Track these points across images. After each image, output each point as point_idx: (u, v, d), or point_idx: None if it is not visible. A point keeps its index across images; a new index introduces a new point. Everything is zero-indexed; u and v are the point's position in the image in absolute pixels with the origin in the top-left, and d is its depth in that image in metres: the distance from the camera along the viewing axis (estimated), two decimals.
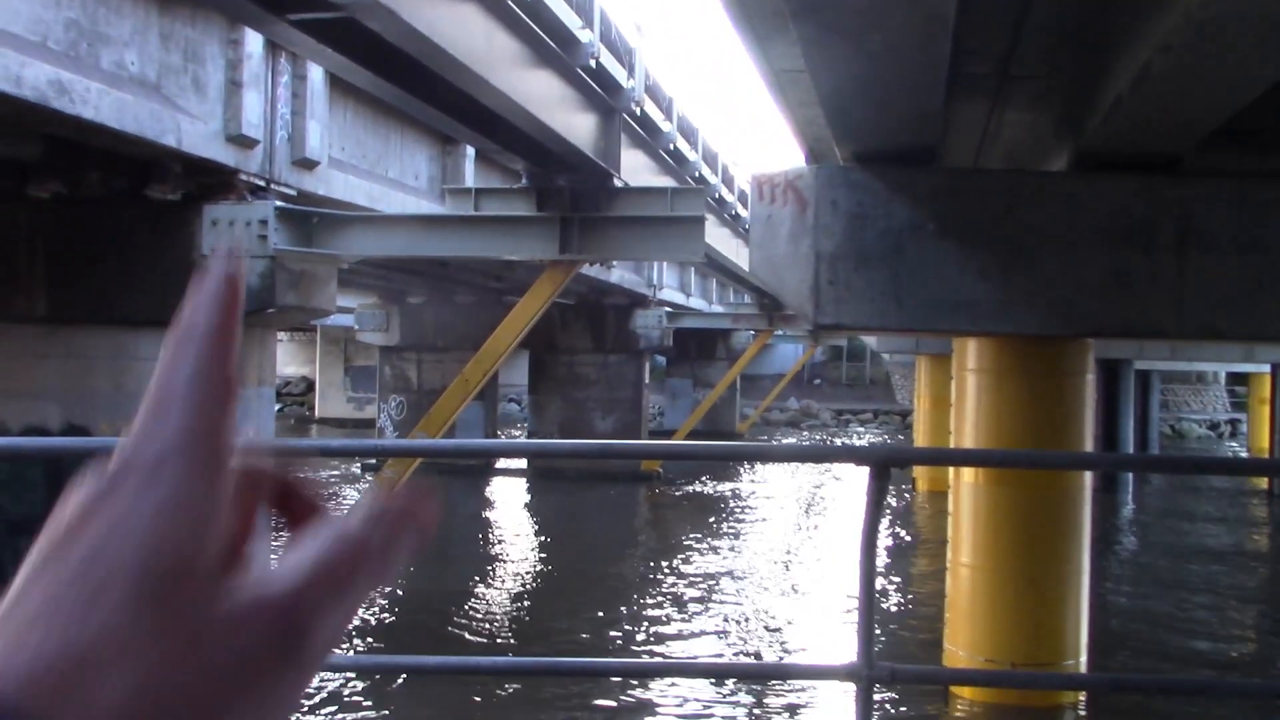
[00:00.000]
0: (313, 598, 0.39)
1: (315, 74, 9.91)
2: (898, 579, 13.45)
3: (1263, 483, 24.07)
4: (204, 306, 0.42)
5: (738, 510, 20.38)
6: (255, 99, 9.13)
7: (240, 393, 0.42)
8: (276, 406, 24.33)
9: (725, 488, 23.48)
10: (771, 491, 23.19)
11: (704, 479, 24.52)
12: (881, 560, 13.74)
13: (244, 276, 0.44)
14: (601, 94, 12.45)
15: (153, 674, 0.35)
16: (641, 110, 14.76)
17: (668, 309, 26.98)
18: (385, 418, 25.11)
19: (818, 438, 40.93)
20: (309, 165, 10.12)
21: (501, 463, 25.68)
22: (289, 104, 9.71)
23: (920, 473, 23.07)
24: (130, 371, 8.54)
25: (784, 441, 36.57)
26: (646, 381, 25.65)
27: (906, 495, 22.32)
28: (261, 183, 9.48)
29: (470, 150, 13.54)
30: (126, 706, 0.34)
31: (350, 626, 0.43)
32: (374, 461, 21.07)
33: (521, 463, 25.24)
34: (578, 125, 11.79)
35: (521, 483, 23.70)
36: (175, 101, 8.36)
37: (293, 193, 9.96)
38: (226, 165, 8.99)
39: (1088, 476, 8.08)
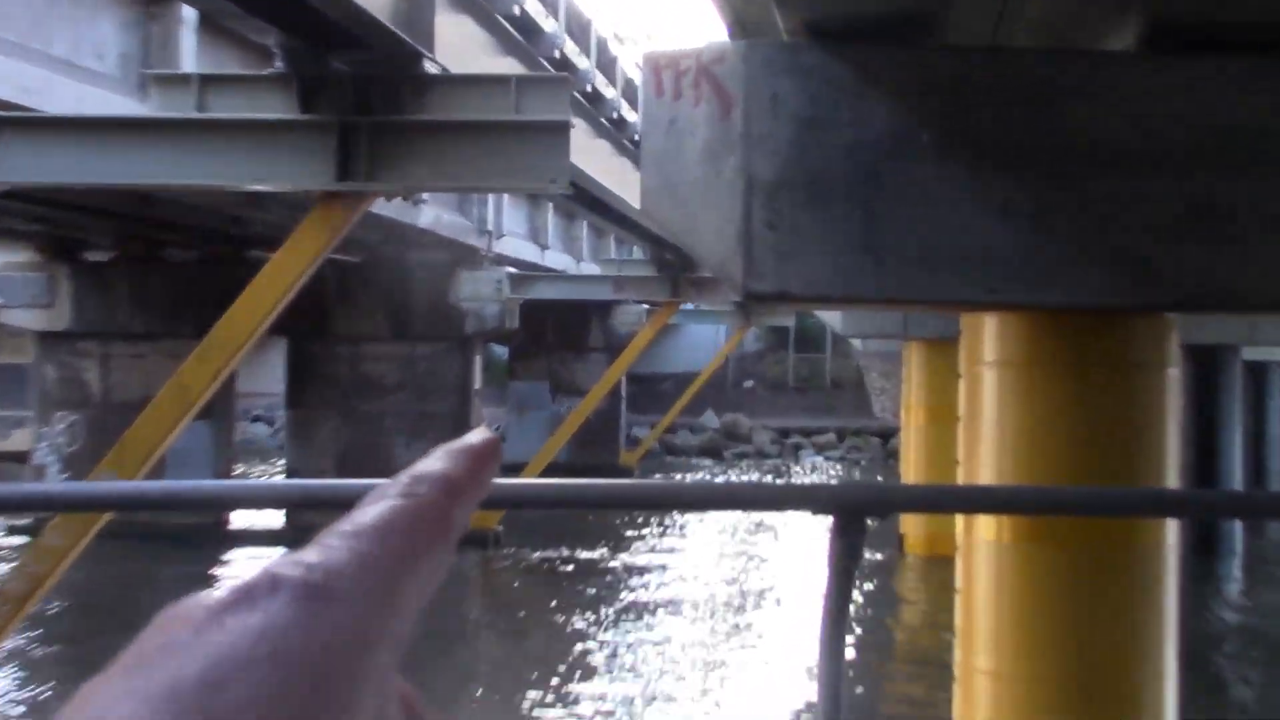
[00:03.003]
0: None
1: None
2: (877, 691, 13.65)
3: None
4: (452, 459, 0.61)
5: (627, 596, 20.47)
6: None
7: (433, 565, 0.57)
8: None
9: (602, 555, 23.55)
10: (679, 564, 23.35)
11: (568, 541, 24.55)
12: (852, 665, 13.90)
13: (499, 450, 0.64)
14: None
15: None
16: None
17: (510, 270, 26.91)
18: (46, 448, 24.52)
19: (749, 474, 41.33)
20: None
21: (243, 521, 25.30)
22: None
23: (911, 526, 23.44)
24: None
25: (699, 479, 36.88)
26: (477, 386, 25.56)
27: (888, 561, 22.68)
28: None
29: (189, 12, 13.31)
30: None
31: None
32: (26, 520, 20.54)
33: (277, 519, 24.92)
34: None
35: (277, 553, 23.33)
36: None
37: None
38: None
39: (1172, 527, 8.30)
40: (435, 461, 0.61)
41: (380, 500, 0.57)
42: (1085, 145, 6.91)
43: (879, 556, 22.93)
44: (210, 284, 22.27)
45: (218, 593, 0.51)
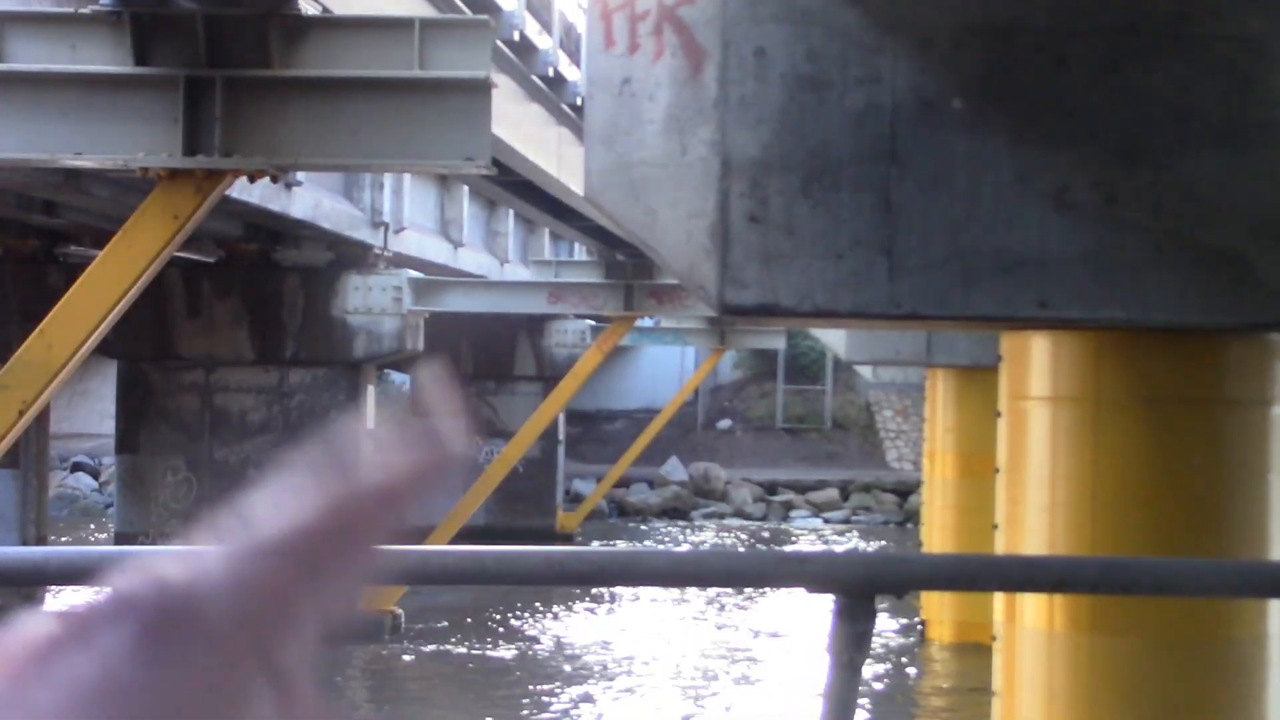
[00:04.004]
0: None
1: None
2: None
3: None
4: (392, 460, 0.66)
5: (560, 700, 20.41)
6: None
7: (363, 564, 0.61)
8: None
9: (530, 649, 23.47)
10: (630, 654, 23.30)
11: (487, 628, 24.48)
12: None
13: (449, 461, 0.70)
14: None
15: None
16: None
17: (413, 275, 26.86)
18: None
19: (725, 542, 41.35)
20: None
21: (63, 601, 25.10)
22: None
23: (935, 608, 23.48)
24: None
25: (659, 548, 36.86)
26: (370, 426, 25.42)
27: (905, 652, 22.70)
28: None
29: None
30: None
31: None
32: None
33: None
34: None
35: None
36: None
37: None
38: None
39: (1275, 611, 8.30)
40: (370, 461, 0.64)
41: (288, 499, 0.60)
42: (1171, 114, 6.93)
43: (892, 645, 22.96)
44: (12, 292, 22.11)
45: (47, 624, 0.51)
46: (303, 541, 0.57)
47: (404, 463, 0.64)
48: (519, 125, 21.54)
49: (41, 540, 25.21)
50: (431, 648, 23.40)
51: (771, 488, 46.93)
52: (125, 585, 0.51)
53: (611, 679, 21.60)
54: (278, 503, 0.59)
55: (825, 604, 2.70)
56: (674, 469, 47.12)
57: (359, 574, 0.59)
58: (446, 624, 24.66)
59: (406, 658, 22.70)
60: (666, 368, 50.08)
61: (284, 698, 0.53)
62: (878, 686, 20.36)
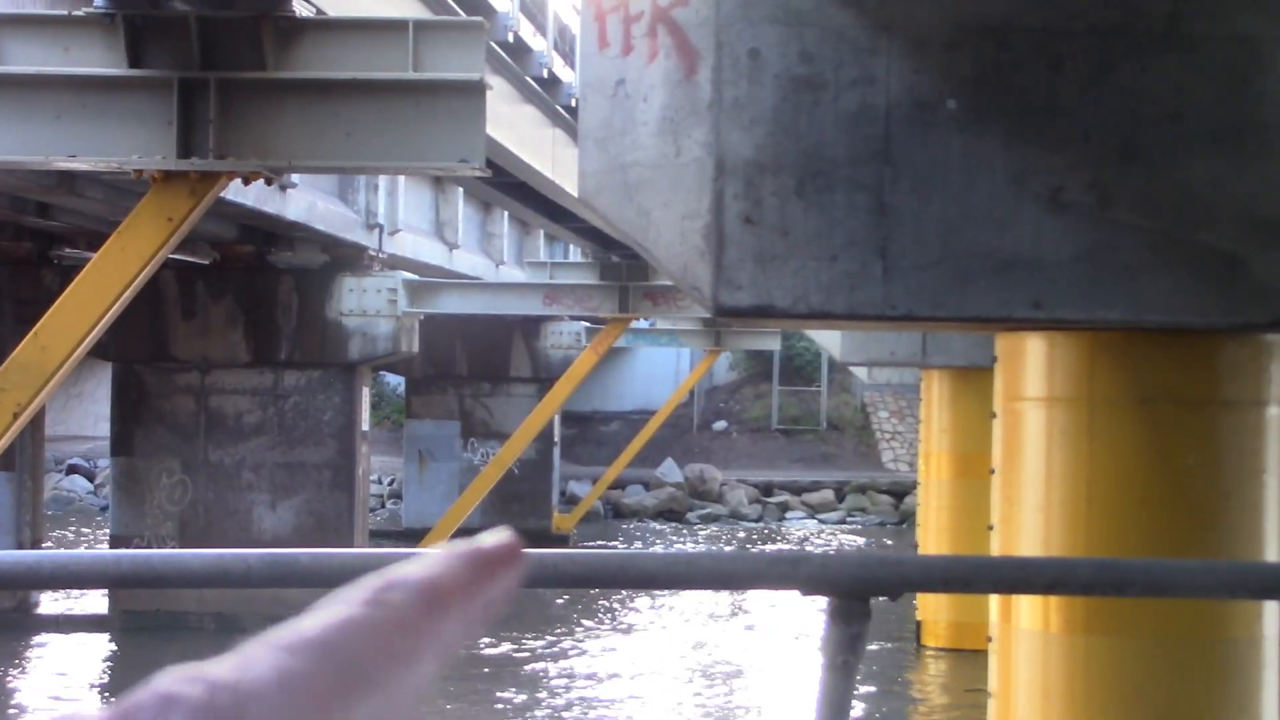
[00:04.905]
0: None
1: None
2: None
3: None
4: (446, 562, 0.60)
5: (558, 701, 20.39)
6: None
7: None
8: None
9: (526, 649, 23.47)
10: (630, 655, 23.29)
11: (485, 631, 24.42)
12: None
13: (521, 560, 0.64)
14: None
15: None
16: None
17: (408, 276, 26.85)
18: None
19: (721, 543, 41.34)
20: None
21: (54, 605, 25.11)
22: None
23: (930, 610, 23.48)
24: None
25: (654, 550, 36.88)
26: (365, 428, 25.48)
27: (899, 655, 22.69)
28: None
29: None
30: None
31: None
32: None
33: (99, 603, 24.75)
34: None
35: (100, 643, 23.30)
36: None
37: None
38: None
39: (1272, 612, 8.30)
40: (425, 562, 0.60)
41: (337, 604, 0.57)
42: (1166, 114, 6.93)
43: (887, 648, 22.95)
44: (6, 294, 22.09)
45: (91, 716, 0.51)
46: (348, 640, 0.55)
47: (454, 574, 0.60)
48: (513, 127, 21.53)
49: (37, 543, 25.21)
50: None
51: (767, 489, 46.93)
52: (170, 685, 0.51)
53: (611, 678, 21.58)
54: (325, 606, 0.58)
55: (819, 611, 2.68)
56: (669, 470, 47.06)
57: (405, 680, 0.56)
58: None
59: None
60: (662, 369, 50.03)
61: None
62: (871, 689, 20.34)
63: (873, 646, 19.03)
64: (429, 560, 0.60)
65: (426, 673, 0.57)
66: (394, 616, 0.56)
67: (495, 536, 0.63)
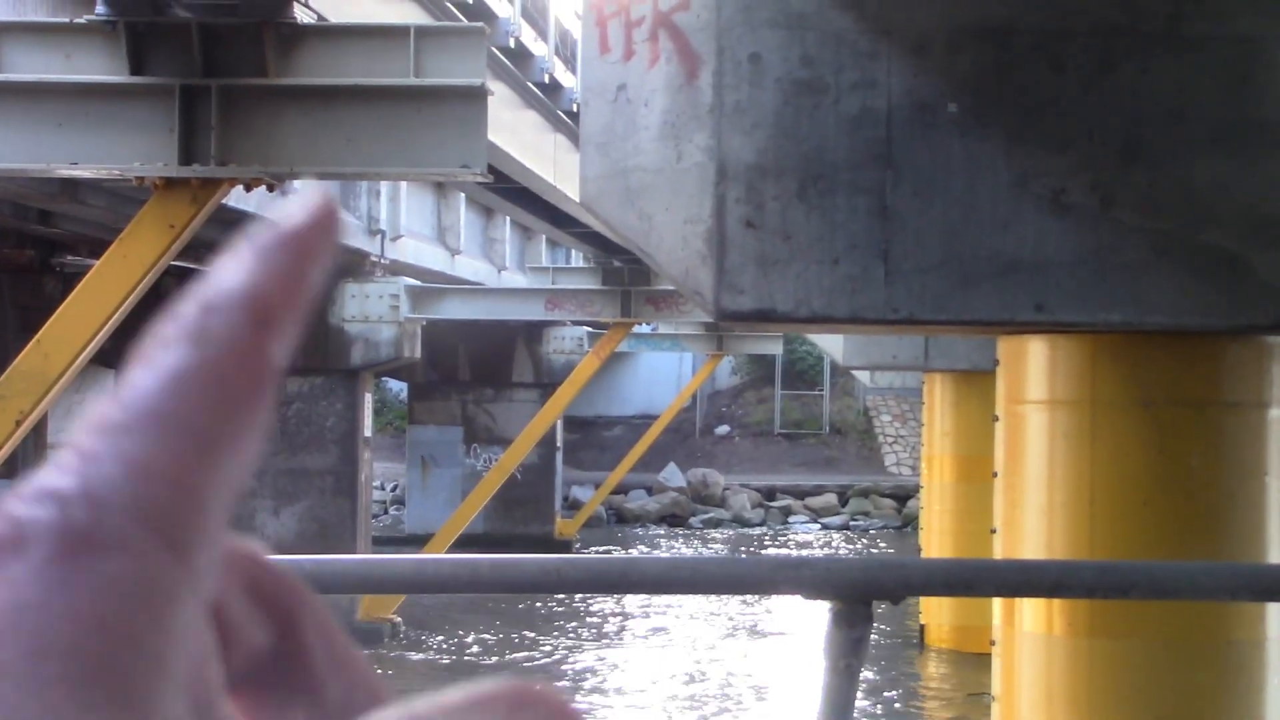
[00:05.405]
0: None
1: None
2: None
3: None
4: (260, 260, 0.49)
5: None
6: None
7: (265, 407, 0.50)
8: None
9: (531, 656, 23.45)
10: (630, 656, 23.28)
11: (486, 636, 24.45)
12: None
13: (338, 224, 0.52)
14: None
15: None
16: None
17: (410, 282, 26.82)
18: None
19: (724, 548, 41.27)
20: None
21: None
22: None
23: (934, 614, 23.46)
24: None
25: (657, 555, 36.85)
26: (367, 434, 25.46)
27: (903, 658, 22.66)
28: None
29: None
30: None
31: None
32: None
33: None
34: None
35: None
36: None
37: None
38: None
39: (1274, 614, 8.28)
40: (232, 268, 0.49)
41: (153, 361, 0.48)
42: (1167, 115, 6.92)
43: (890, 651, 22.91)
44: (9, 301, 22.09)
45: None
46: (185, 400, 0.47)
47: (275, 271, 0.49)
48: (515, 132, 21.52)
49: None
50: (428, 657, 23.38)
51: (770, 493, 46.90)
52: (15, 509, 0.46)
53: (612, 679, 21.58)
54: (141, 352, 0.48)
55: (821, 616, 2.68)
56: (672, 475, 47.03)
57: (257, 427, 0.48)
58: (444, 632, 24.62)
59: (401, 666, 22.66)
60: (664, 374, 49.95)
61: (204, 591, 0.48)
62: (874, 678, 20.34)
63: (873, 649, 19.00)
64: (240, 261, 0.49)
65: (270, 408, 0.49)
66: (225, 352, 0.48)
67: (302, 202, 0.51)
